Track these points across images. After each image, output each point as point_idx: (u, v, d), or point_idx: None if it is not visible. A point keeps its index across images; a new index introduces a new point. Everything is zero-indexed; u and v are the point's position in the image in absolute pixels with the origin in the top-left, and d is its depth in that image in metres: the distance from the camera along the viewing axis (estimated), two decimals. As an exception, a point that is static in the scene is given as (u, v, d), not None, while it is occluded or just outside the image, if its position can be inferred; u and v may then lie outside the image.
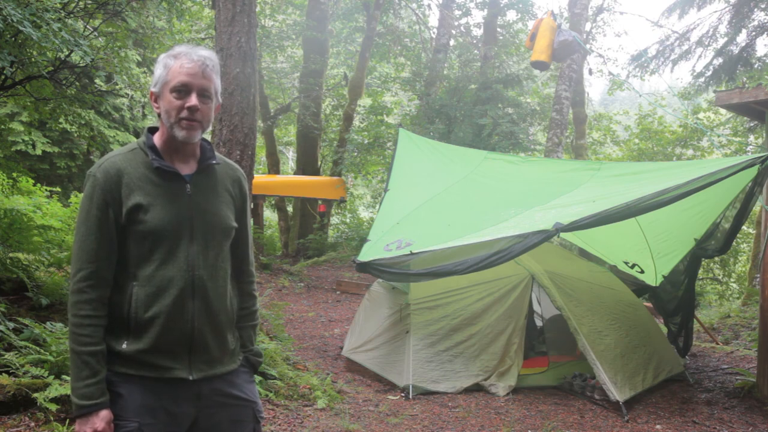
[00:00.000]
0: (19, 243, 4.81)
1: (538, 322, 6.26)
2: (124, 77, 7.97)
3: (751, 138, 12.93)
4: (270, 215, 22.68)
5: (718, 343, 7.69)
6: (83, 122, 8.23)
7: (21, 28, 4.46)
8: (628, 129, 19.32)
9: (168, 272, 1.72)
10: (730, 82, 9.58)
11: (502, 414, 4.71)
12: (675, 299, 6.21)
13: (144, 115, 17.18)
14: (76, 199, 5.80)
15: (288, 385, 4.70)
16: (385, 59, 19.31)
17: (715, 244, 5.51)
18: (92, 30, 7.17)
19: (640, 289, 6.56)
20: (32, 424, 3.32)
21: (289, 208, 18.08)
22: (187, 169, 1.81)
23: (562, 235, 4.54)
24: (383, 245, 4.79)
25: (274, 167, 17.93)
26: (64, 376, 3.58)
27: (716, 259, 13.97)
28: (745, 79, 9.54)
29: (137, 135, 16.56)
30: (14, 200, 4.92)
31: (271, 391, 4.48)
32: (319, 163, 17.73)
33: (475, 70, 14.89)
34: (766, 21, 9.36)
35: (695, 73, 10.06)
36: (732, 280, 15.70)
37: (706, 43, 10.01)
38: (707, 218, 5.46)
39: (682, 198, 4.24)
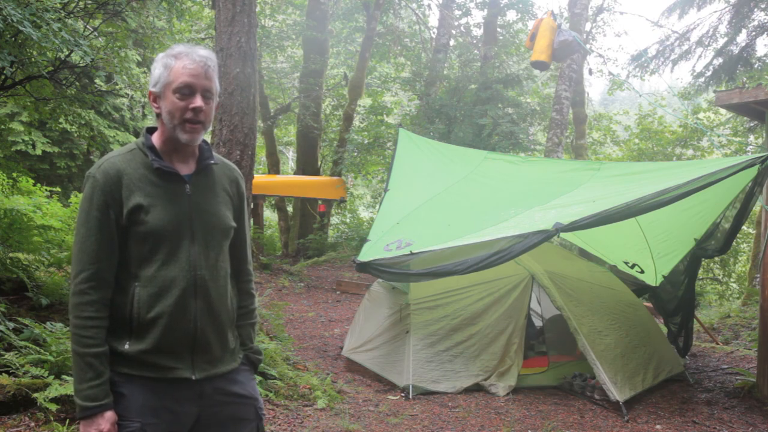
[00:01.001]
0: (19, 243, 4.81)
1: (538, 322, 6.26)
2: (124, 77, 7.97)
3: (751, 138, 12.93)
4: (270, 215, 22.68)
5: (718, 343, 7.69)
6: (83, 122, 8.23)
7: (21, 28, 4.46)
8: (628, 129, 19.32)
9: (170, 272, 1.72)
10: (730, 82, 9.58)
11: (502, 414, 4.71)
12: (675, 299, 6.21)
13: (144, 115, 17.18)
14: (76, 199, 5.80)
15: (288, 385, 4.70)
16: (385, 59, 19.31)
17: (715, 244, 5.51)
18: (92, 30, 7.17)
19: (640, 289, 6.56)
20: (32, 424, 3.32)
21: (289, 208, 18.08)
22: (186, 169, 1.81)
23: (562, 235, 4.54)
24: (383, 245, 4.79)
25: (274, 167, 17.93)
26: (64, 376, 3.58)
27: (716, 259, 13.97)
28: (745, 79, 9.54)
29: (137, 135, 16.55)
30: (14, 200, 4.92)
31: (271, 391, 4.48)
32: (319, 163, 17.73)
33: (475, 70, 14.89)
34: (766, 21, 9.36)
35: (695, 73, 10.06)
36: (732, 280, 15.70)
37: (706, 43, 10.00)
38: (707, 218, 5.46)
39: (682, 198, 4.24)
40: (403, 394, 5.02)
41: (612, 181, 5.21)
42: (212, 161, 1.85)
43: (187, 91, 1.72)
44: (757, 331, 6.04)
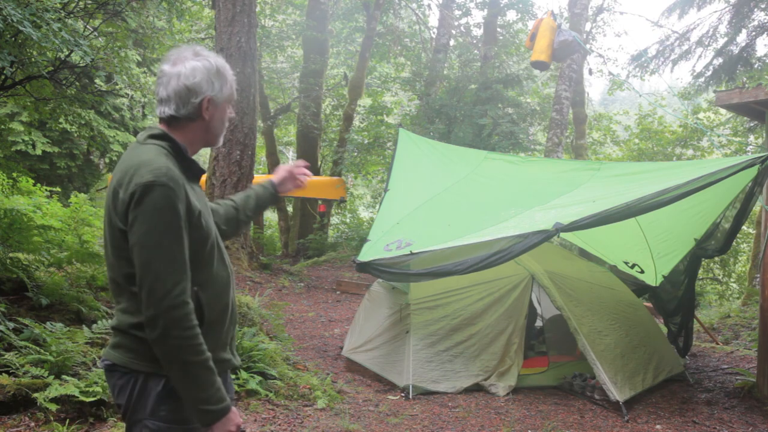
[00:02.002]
0: (19, 243, 4.81)
1: (538, 322, 6.26)
2: (124, 77, 7.98)
3: (751, 138, 12.93)
4: (270, 215, 22.67)
5: (718, 343, 7.69)
6: (83, 122, 8.24)
7: (21, 28, 4.46)
8: (628, 129, 19.32)
9: (222, 272, 1.82)
10: (730, 82, 9.58)
11: (502, 414, 4.71)
12: (675, 299, 6.21)
13: (144, 115, 17.18)
14: (77, 199, 5.79)
15: (288, 385, 4.70)
16: (385, 59, 19.31)
17: (715, 244, 5.51)
18: (92, 30, 7.17)
19: (640, 289, 6.56)
20: (32, 424, 3.33)
21: (289, 208, 18.09)
22: None
23: (562, 235, 4.54)
24: (383, 245, 4.79)
25: (274, 167, 17.93)
26: (64, 376, 3.58)
27: (716, 259, 13.97)
28: (745, 79, 9.54)
29: (137, 135, 16.57)
30: (14, 200, 4.91)
31: (271, 391, 4.48)
32: (319, 163, 17.74)
33: (475, 70, 14.89)
34: (766, 21, 9.36)
35: (695, 73, 10.06)
36: (732, 280, 15.70)
37: (706, 43, 10.00)
38: (707, 218, 5.46)
39: (682, 198, 4.24)
40: (403, 394, 5.02)
41: (612, 181, 5.21)
42: None
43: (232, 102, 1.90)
44: (757, 331, 6.05)
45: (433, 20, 20.02)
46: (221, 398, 1.67)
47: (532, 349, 5.81)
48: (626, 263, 6.64)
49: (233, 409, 1.71)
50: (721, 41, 9.82)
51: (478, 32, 17.46)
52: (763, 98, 5.20)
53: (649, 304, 7.32)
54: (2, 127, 11.99)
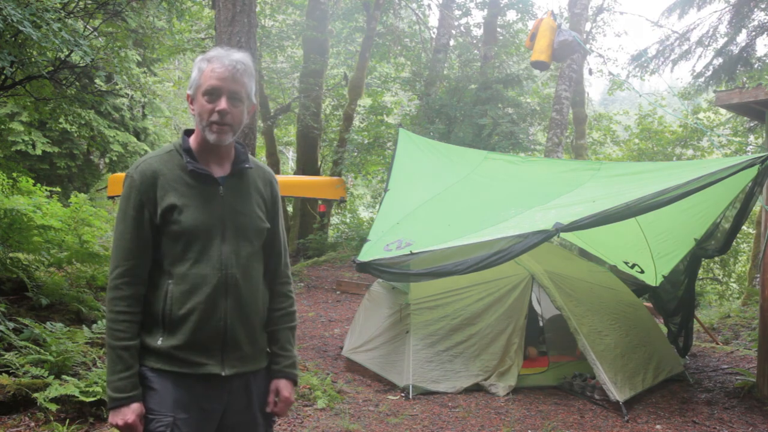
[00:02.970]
0: (19, 243, 4.81)
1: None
2: (124, 77, 7.97)
3: (751, 138, 12.92)
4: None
5: (718, 343, 7.69)
6: (83, 122, 8.24)
7: (21, 28, 4.46)
8: (628, 129, 19.31)
9: (202, 270, 1.77)
10: (730, 82, 9.58)
11: (502, 414, 4.71)
12: (675, 299, 6.21)
13: (144, 115, 17.17)
14: (77, 199, 5.79)
15: (288, 385, 4.69)
16: (385, 59, 19.30)
17: (715, 244, 5.51)
18: (92, 30, 7.17)
19: (640, 289, 6.56)
20: (32, 424, 3.33)
21: (289, 208, 18.08)
22: (221, 171, 1.86)
23: (562, 235, 4.54)
24: (383, 245, 4.79)
25: (274, 167, 17.92)
26: (64, 376, 3.58)
27: (716, 259, 13.97)
28: (745, 79, 9.55)
29: (137, 135, 16.56)
30: (14, 200, 4.92)
31: (271, 391, 4.48)
32: (319, 163, 17.73)
33: (475, 70, 14.88)
34: (766, 21, 9.36)
35: (695, 73, 10.06)
36: (732, 280, 15.70)
37: (706, 43, 10.00)
38: (707, 218, 5.46)
39: (682, 198, 4.24)
40: (403, 394, 5.02)
41: (612, 181, 5.21)
42: (247, 165, 1.89)
43: (213, 93, 1.77)
44: (757, 331, 6.04)
45: (433, 20, 20.02)
46: (121, 389, 1.69)
47: (536, 348, 5.81)
48: (626, 263, 6.64)
49: (133, 406, 1.70)
50: (721, 41, 9.82)
51: (478, 32, 17.46)
52: (763, 98, 5.20)
53: (649, 304, 7.32)
54: (2, 127, 11.99)
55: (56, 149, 14.32)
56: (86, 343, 4.07)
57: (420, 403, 4.83)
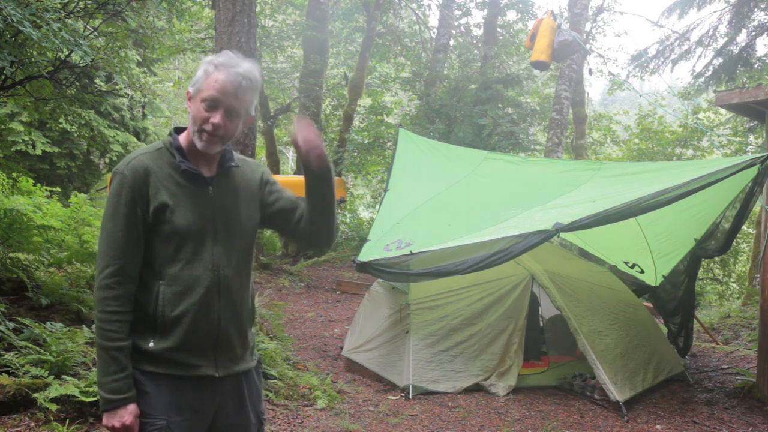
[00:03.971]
0: (19, 243, 4.81)
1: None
2: (124, 77, 7.96)
3: (751, 138, 12.92)
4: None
5: (718, 343, 7.69)
6: (83, 122, 8.24)
7: (21, 28, 4.46)
8: (628, 129, 19.30)
9: (194, 271, 1.75)
10: (730, 82, 9.57)
11: (502, 414, 4.71)
12: (675, 299, 6.21)
13: (144, 115, 17.16)
14: (77, 199, 5.79)
15: (288, 385, 4.70)
16: (385, 59, 19.29)
17: (715, 244, 5.51)
18: (92, 30, 7.17)
19: (640, 289, 6.56)
20: (32, 424, 3.32)
21: (289, 208, 18.03)
22: (208, 171, 1.84)
23: (562, 235, 4.54)
24: (383, 245, 4.79)
25: (274, 167, 17.91)
26: (64, 376, 3.58)
27: (716, 259, 13.96)
28: (745, 79, 9.54)
29: (137, 135, 16.54)
30: (14, 200, 4.91)
31: (271, 391, 4.48)
32: (319, 163, 17.67)
33: (475, 70, 14.88)
34: (766, 21, 9.36)
35: (695, 73, 10.05)
36: (732, 280, 15.68)
37: (706, 43, 10.00)
38: (707, 218, 5.46)
39: (682, 198, 4.23)
40: (403, 394, 5.02)
41: (612, 181, 5.21)
42: (233, 164, 1.87)
43: (212, 104, 1.73)
44: (757, 331, 6.04)
45: (433, 20, 20.01)
46: (116, 390, 1.67)
47: (538, 348, 5.81)
48: (626, 263, 6.64)
49: (129, 407, 1.68)
50: (721, 41, 9.81)
51: (478, 32, 17.45)
52: (763, 98, 5.20)
53: (649, 304, 7.32)
54: (2, 127, 11.98)
55: (56, 149, 14.30)
56: (86, 343, 4.06)
57: (420, 403, 4.83)
